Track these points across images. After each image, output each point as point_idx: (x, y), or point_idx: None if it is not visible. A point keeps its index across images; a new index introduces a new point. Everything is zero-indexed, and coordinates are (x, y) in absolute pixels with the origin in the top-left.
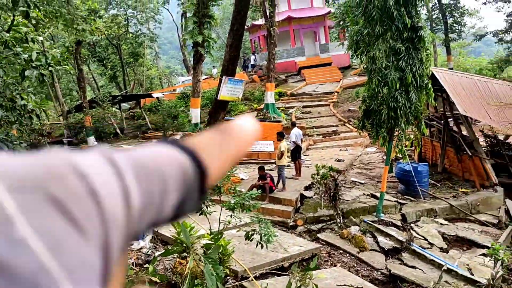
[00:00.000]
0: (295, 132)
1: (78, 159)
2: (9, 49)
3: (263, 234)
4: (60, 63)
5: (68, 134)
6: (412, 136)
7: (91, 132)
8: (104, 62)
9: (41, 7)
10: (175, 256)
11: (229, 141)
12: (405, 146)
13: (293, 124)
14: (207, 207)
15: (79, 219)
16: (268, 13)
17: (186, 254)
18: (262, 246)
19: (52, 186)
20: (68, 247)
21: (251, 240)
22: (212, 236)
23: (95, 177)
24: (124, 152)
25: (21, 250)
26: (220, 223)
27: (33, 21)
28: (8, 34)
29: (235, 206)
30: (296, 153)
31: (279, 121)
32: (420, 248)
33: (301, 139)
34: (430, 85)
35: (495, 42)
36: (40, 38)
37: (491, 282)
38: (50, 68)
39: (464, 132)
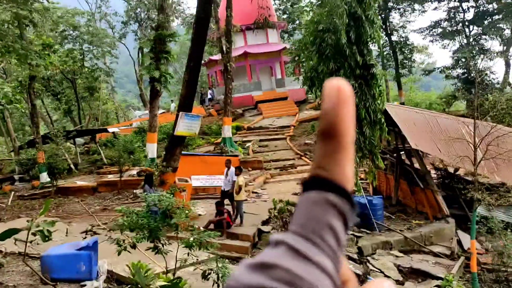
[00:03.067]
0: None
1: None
2: None
3: (220, 275)
4: (12, 101)
5: (19, 170)
6: (367, 169)
7: (44, 168)
8: (59, 96)
9: None
10: None
11: None
12: (361, 179)
13: (230, 162)
14: (163, 245)
15: None
16: (224, 49)
17: None
18: (218, 286)
19: None
20: None
21: (208, 279)
22: (170, 279)
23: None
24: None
25: None
26: (177, 261)
27: None
28: None
29: (193, 244)
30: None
31: (236, 155)
32: None
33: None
34: (383, 120)
35: (442, 78)
36: None
37: None
38: (0, 107)
39: (416, 165)
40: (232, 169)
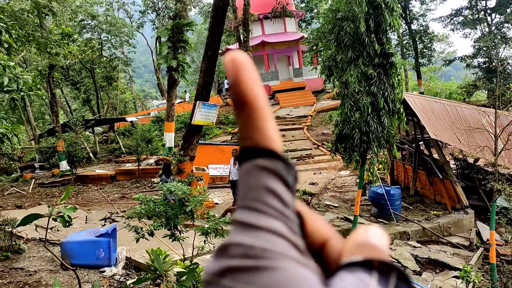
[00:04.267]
0: None
1: None
2: None
3: None
4: (32, 88)
5: (40, 158)
6: (384, 160)
7: (64, 156)
8: (78, 85)
9: (13, 31)
10: (149, 283)
11: None
12: (378, 170)
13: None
14: (180, 233)
15: None
16: (242, 38)
17: (159, 281)
18: None
19: None
20: None
21: None
22: (187, 265)
23: None
24: None
25: None
26: (193, 248)
27: (5, 45)
28: None
29: (209, 231)
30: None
31: None
32: None
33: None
34: (402, 110)
35: (463, 67)
36: (12, 63)
37: None
38: (21, 93)
39: (435, 156)
40: None
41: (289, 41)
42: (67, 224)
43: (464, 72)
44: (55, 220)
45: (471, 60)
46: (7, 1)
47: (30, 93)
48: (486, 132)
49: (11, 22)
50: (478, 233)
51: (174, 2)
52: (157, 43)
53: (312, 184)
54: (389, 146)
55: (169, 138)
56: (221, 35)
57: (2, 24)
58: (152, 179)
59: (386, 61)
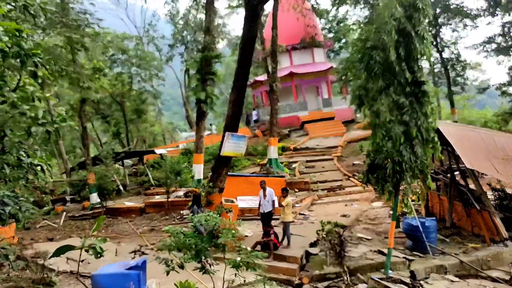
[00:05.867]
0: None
1: None
2: (15, 108)
3: None
4: (66, 120)
5: (71, 191)
6: (418, 191)
7: (94, 189)
8: (108, 119)
9: (48, 67)
10: None
11: None
12: (412, 201)
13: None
14: (210, 266)
15: None
16: (270, 69)
17: None
18: None
19: None
20: None
21: None
22: None
23: None
24: None
25: None
26: (224, 281)
27: (39, 80)
28: (14, 94)
29: (241, 264)
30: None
31: (282, 176)
32: None
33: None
34: (436, 139)
35: (499, 95)
36: (48, 95)
37: None
38: (55, 125)
39: (471, 186)
40: (269, 189)
41: (317, 71)
42: (99, 255)
43: (500, 100)
44: (87, 251)
45: (506, 88)
46: (41, 38)
47: (63, 124)
48: None
49: (47, 57)
50: None
51: (203, 35)
52: (186, 76)
53: (344, 216)
54: (423, 177)
55: (198, 170)
56: (250, 67)
57: (39, 59)
58: (181, 211)
59: (418, 90)
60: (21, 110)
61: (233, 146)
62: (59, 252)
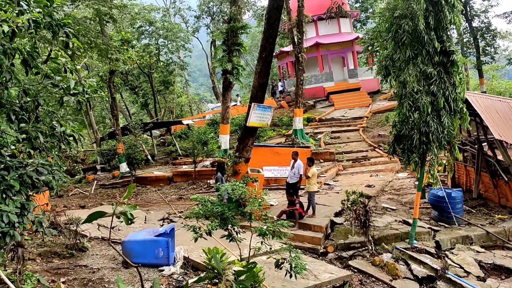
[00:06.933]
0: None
1: None
2: (48, 79)
3: (293, 265)
4: (97, 91)
5: (101, 160)
6: (444, 161)
7: (123, 158)
8: (136, 90)
9: (78, 38)
10: (206, 282)
11: None
12: (438, 171)
13: (297, 154)
14: (237, 234)
15: None
16: (296, 40)
17: (217, 281)
18: (291, 276)
19: None
20: None
21: (281, 269)
22: (245, 263)
23: None
24: None
25: None
26: (250, 249)
27: (69, 52)
28: (46, 66)
29: (266, 232)
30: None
31: (308, 147)
32: (456, 276)
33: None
34: (465, 109)
35: None
36: (78, 67)
37: None
38: (87, 96)
39: (499, 157)
40: (299, 161)
41: (343, 42)
42: (130, 221)
43: None
44: (118, 218)
45: None
46: (71, 10)
47: (95, 95)
48: None
49: (77, 27)
50: None
51: (229, 6)
52: (212, 47)
53: (369, 186)
54: (450, 147)
55: (224, 140)
56: (276, 37)
57: (70, 30)
58: (208, 181)
59: (447, 59)
60: (54, 81)
61: (258, 117)
62: (91, 218)
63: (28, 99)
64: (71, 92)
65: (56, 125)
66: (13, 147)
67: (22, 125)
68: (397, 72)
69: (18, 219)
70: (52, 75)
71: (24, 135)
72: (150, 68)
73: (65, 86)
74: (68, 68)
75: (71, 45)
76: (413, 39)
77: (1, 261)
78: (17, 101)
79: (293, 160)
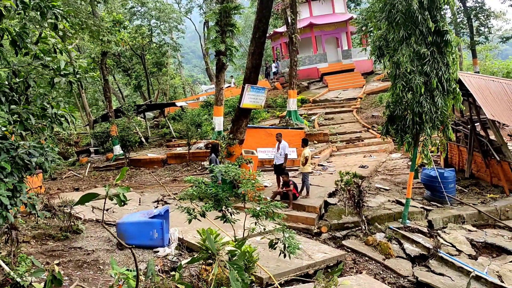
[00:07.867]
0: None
1: None
2: (38, 59)
3: (287, 245)
4: (88, 71)
5: (94, 143)
6: (437, 141)
7: (117, 141)
8: (129, 72)
9: (68, 19)
10: (201, 262)
11: None
12: (431, 152)
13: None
14: (231, 215)
15: None
16: (289, 20)
17: (211, 261)
18: (284, 256)
19: None
20: None
21: (275, 249)
22: (237, 243)
23: None
24: None
25: None
26: (244, 230)
27: (60, 33)
28: (36, 47)
29: (260, 213)
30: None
31: (301, 128)
32: (448, 255)
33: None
34: (458, 89)
35: None
36: (69, 47)
37: None
38: (78, 76)
39: (492, 137)
40: (284, 142)
41: (337, 22)
42: (123, 203)
43: None
44: (111, 199)
45: None
46: None
47: (86, 75)
48: None
49: (66, 9)
50: None
51: None
52: (205, 28)
53: (362, 167)
54: (443, 127)
55: (218, 122)
56: (269, 18)
57: (59, 11)
58: (202, 163)
59: (440, 39)
60: (44, 62)
61: (252, 98)
62: (84, 199)
63: (18, 80)
64: (62, 73)
65: (47, 106)
66: (4, 128)
67: (13, 106)
68: (391, 53)
69: (10, 201)
70: (42, 55)
71: (15, 117)
72: (142, 49)
73: (55, 67)
74: (58, 48)
75: (61, 27)
76: (407, 19)
77: None
78: (7, 83)
79: (278, 142)
